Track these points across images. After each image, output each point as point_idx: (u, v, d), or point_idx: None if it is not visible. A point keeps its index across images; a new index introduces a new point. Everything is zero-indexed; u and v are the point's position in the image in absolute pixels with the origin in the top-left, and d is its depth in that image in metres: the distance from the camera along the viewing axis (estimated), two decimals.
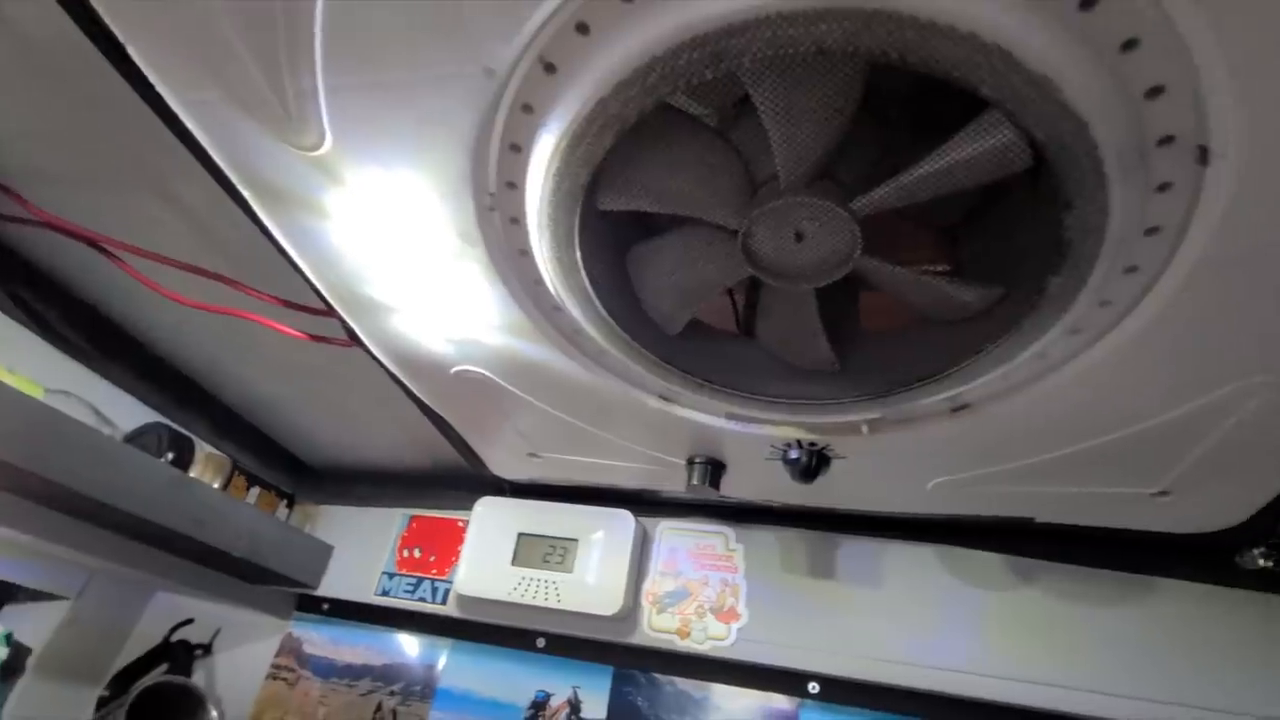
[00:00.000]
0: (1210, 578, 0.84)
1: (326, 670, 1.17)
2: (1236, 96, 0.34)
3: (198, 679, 1.19)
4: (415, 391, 0.82)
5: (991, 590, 0.91)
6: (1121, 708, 0.81)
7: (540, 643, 1.07)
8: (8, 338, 0.95)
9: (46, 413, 0.72)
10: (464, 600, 1.08)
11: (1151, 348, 0.50)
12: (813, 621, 0.95)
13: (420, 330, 0.69)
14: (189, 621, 1.22)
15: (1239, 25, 0.32)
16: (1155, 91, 0.34)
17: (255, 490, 1.16)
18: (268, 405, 1.18)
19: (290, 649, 1.21)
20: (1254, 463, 0.62)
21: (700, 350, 0.64)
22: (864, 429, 0.67)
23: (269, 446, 1.27)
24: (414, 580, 1.16)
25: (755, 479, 0.84)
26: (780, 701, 0.94)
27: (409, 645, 1.15)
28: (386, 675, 1.13)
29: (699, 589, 1.01)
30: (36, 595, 1.07)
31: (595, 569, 1.01)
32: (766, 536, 1.03)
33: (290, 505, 1.28)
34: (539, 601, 1.00)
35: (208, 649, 1.23)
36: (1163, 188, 0.38)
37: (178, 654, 1.18)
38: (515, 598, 1.02)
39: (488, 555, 1.06)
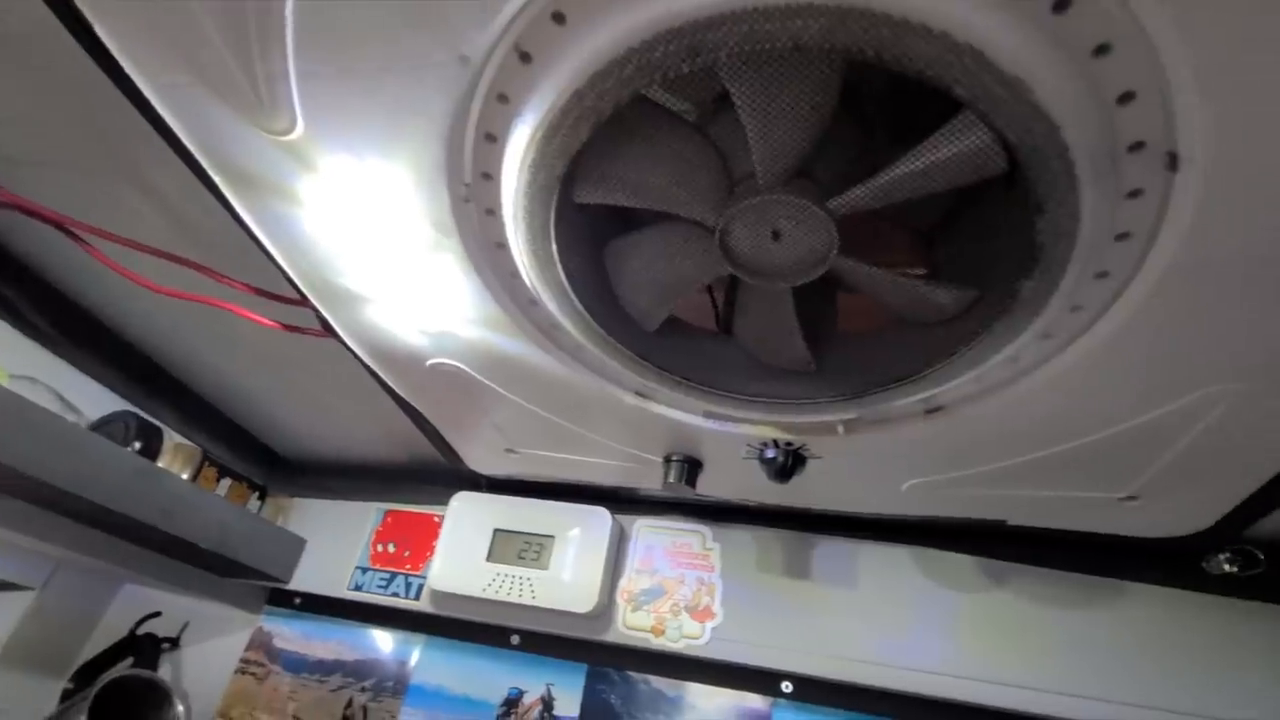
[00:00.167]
0: (1178, 582, 0.85)
1: (297, 665, 1.15)
2: (1206, 105, 0.34)
3: (164, 673, 1.17)
4: (390, 384, 0.81)
5: (964, 592, 0.92)
6: (1090, 710, 0.82)
7: (514, 640, 1.06)
8: None
9: (9, 398, 0.71)
10: (437, 596, 1.07)
11: (1121, 353, 0.50)
12: (787, 621, 0.95)
13: (395, 322, 0.68)
14: (156, 614, 1.20)
15: (1210, 36, 0.32)
16: (1126, 97, 0.34)
17: (226, 482, 1.15)
18: (242, 396, 1.16)
19: (260, 643, 1.19)
20: (1220, 469, 0.63)
21: (678, 347, 0.63)
22: (840, 429, 0.67)
23: (242, 438, 1.26)
24: (387, 575, 1.15)
25: (732, 478, 0.84)
26: (754, 701, 0.95)
27: (382, 641, 1.14)
28: (358, 671, 1.12)
29: (675, 587, 1.01)
30: (1, 585, 1.05)
31: (571, 566, 1.01)
32: (743, 536, 1.03)
33: (263, 498, 1.26)
34: (513, 598, 1.00)
35: (175, 642, 1.21)
36: (1133, 194, 0.39)
37: (144, 647, 1.16)
38: (490, 594, 1.01)
39: (463, 551, 1.05)
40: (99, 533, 0.92)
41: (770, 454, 0.72)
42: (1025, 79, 0.33)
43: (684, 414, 0.71)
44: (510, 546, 1.04)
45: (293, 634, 1.18)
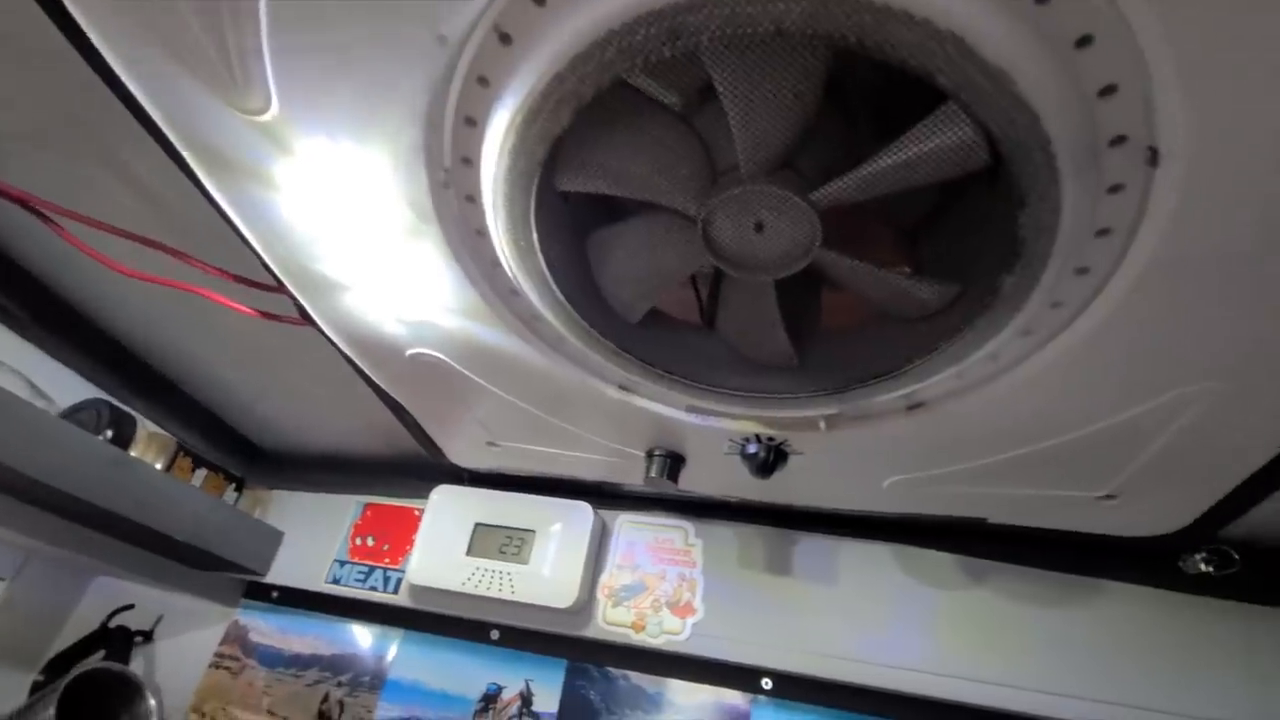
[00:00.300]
0: (1155, 581, 0.86)
1: (273, 660, 1.14)
2: (1187, 101, 0.34)
3: (137, 666, 1.15)
4: (370, 375, 0.80)
5: (944, 590, 0.92)
6: (1067, 707, 0.82)
7: (494, 634, 1.05)
8: None
9: None
10: (416, 590, 1.06)
11: (1101, 351, 0.50)
12: (768, 618, 0.95)
13: (374, 310, 0.67)
14: (129, 607, 1.18)
15: (1193, 31, 0.32)
16: (1108, 90, 0.34)
17: (202, 472, 1.13)
18: (219, 385, 1.14)
19: (236, 637, 1.17)
20: (1196, 469, 0.63)
21: (660, 340, 0.63)
22: (821, 425, 0.66)
23: (219, 428, 1.23)
24: (366, 569, 1.13)
25: (714, 473, 0.84)
26: (733, 698, 0.94)
27: (359, 635, 1.13)
28: (335, 665, 1.10)
29: (656, 583, 1.01)
30: None
31: (552, 561, 1.00)
32: (725, 532, 1.02)
33: (240, 489, 1.24)
34: (493, 593, 0.99)
35: (149, 636, 1.19)
36: (1114, 189, 0.39)
37: (116, 640, 1.14)
38: (469, 588, 1.00)
39: (442, 545, 1.04)
40: (70, 523, 0.90)
41: (752, 449, 0.72)
42: (1007, 69, 0.33)
43: (666, 408, 0.71)
44: (491, 541, 1.03)
45: (269, 628, 1.17)
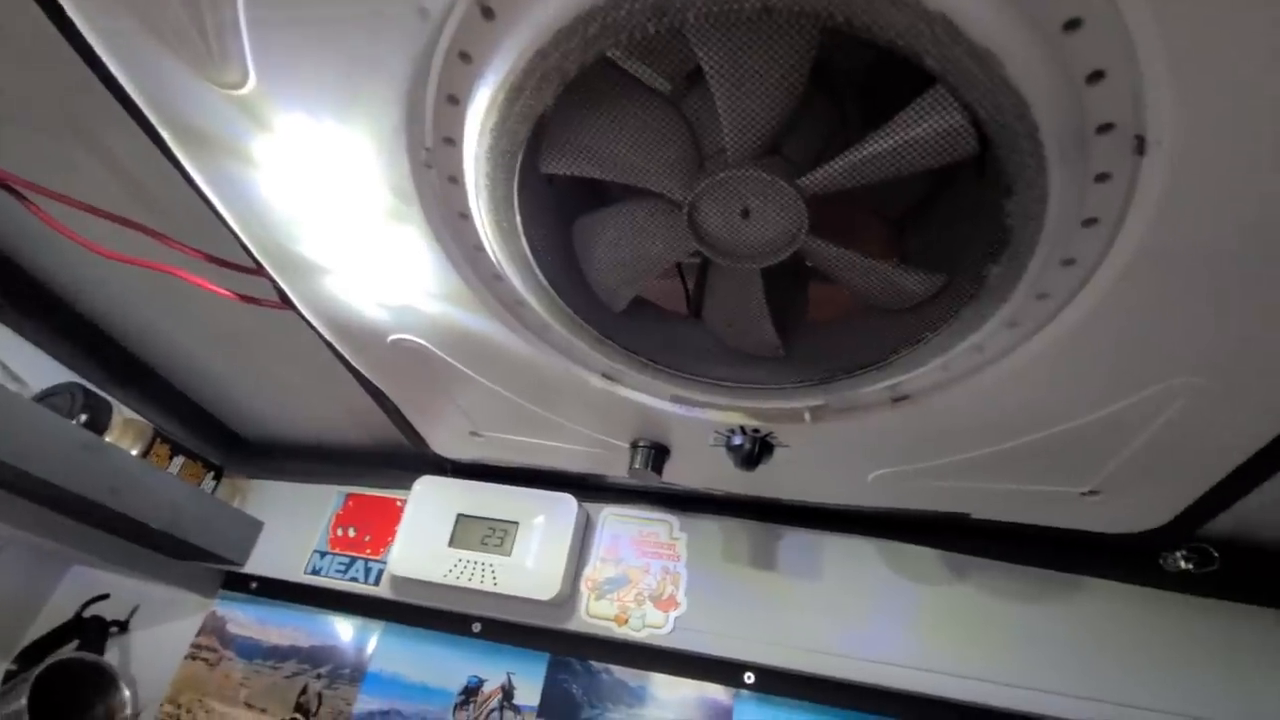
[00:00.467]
0: (1136, 578, 0.86)
1: (251, 651, 1.12)
2: (1176, 89, 0.34)
3: (112, 657, 1.14)
4: (351, 360, 0.79)
5: (927, 585, 0.92)
6: (1049, 703, 0.82)
7: (475, 627, 1.04)
8: None
9: None
10: (397, 581, 1.05)
11: (1086, 343, 0.50)
12: (751, 612, 0.94)
13: (355, 294, 0.66)
14: (104, 596, 1.16)
15: (1183, 18, 0.32)
16: (1096, 76, 0.34)
17: (179, 460, 1.11)
18: (198, 372, 1.12)
19: (213, 628, 1.16)
20: (1178, 465, 0.63)
21: (646, 329, 0.62)
22: (807, 416, 0.66)
23: (198, 415, 1.21)
24: (346, 560, 1.12)
25: (699, 466, 0.83)
26: (716, 692, 0.94)
27: (339, 627, 1.11)
28: (314, 657, 1.09)
29: (640, 576, 1.00)
30: None
31: (535, 553, 0.99)
32: (710, 526, 1.02)
33: (218, 478, 1.22)
34: (475, 584, 0.98)
35: (124, 626, 1.17)
36: (1101, 177, 0.38)
37: (91, 630, 1.12)
38: (451, 580, 0.99)
39: (424, 536, 1.03)
40: (44, 510, 0.89)
41: (738, 441, 0.71)
42: (996, 52, 0.32)
43: (651, 398, 0.70)
44: (473, 532, 1.02)
45: (247, 619, 1.15)
